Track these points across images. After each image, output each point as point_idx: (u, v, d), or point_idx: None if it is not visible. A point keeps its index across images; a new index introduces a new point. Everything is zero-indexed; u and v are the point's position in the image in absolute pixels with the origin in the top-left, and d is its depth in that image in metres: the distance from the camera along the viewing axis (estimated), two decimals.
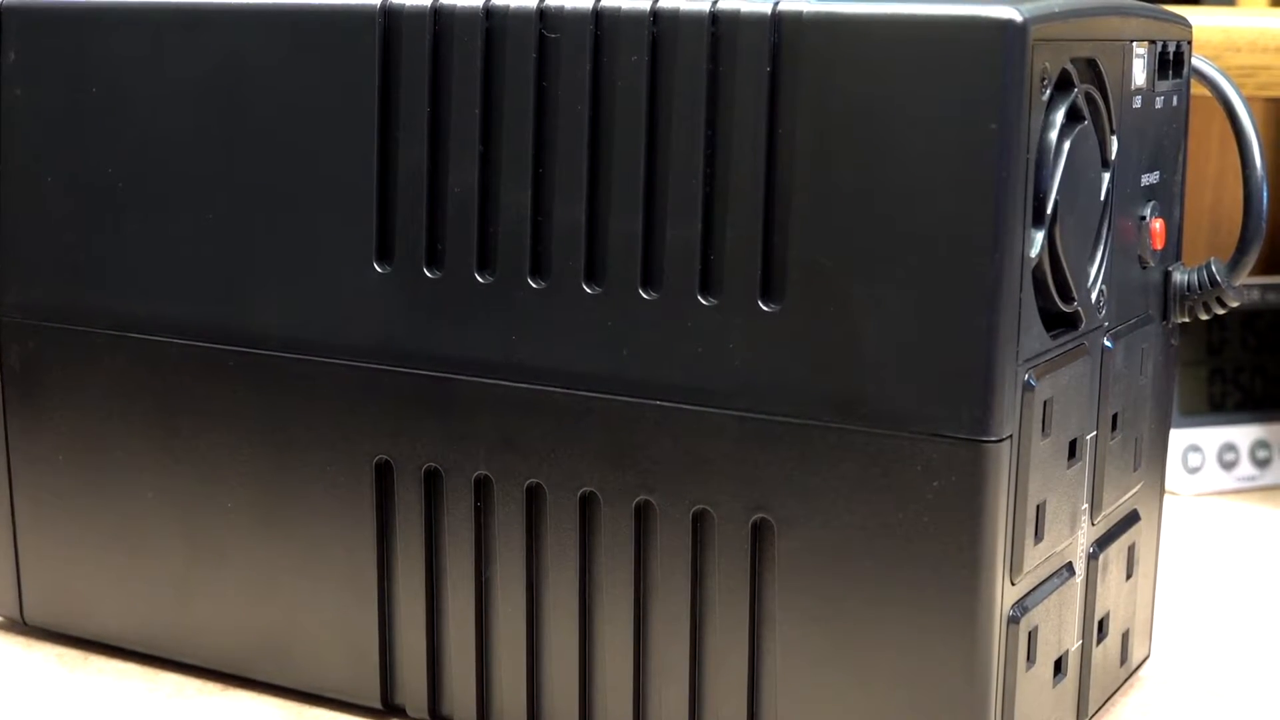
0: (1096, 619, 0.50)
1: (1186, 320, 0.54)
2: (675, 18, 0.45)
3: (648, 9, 0.45)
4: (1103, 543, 0.50)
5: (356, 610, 0.51)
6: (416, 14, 0.48)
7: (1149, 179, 0.51)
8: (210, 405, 0.52)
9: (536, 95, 0.46)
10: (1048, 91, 0.43)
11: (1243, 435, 0.80)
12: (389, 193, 0.49)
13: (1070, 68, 0.45)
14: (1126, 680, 0.55)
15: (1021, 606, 0.45)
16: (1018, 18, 0.41)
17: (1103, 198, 0.48)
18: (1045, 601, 0.46)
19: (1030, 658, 0.46)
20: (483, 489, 0.49)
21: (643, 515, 0.47)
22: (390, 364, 0.49)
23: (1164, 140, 0.52)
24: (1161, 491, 0.56)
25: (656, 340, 0.46)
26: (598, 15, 0.46)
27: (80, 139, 0.53)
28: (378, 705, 0.52)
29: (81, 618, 0.57)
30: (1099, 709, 0.52)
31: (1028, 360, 0.44)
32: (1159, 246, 0.52)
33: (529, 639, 0.49)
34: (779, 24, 0.44)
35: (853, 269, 0.43)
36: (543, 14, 0.46)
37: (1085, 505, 0.49)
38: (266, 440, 0.52)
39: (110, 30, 0.52)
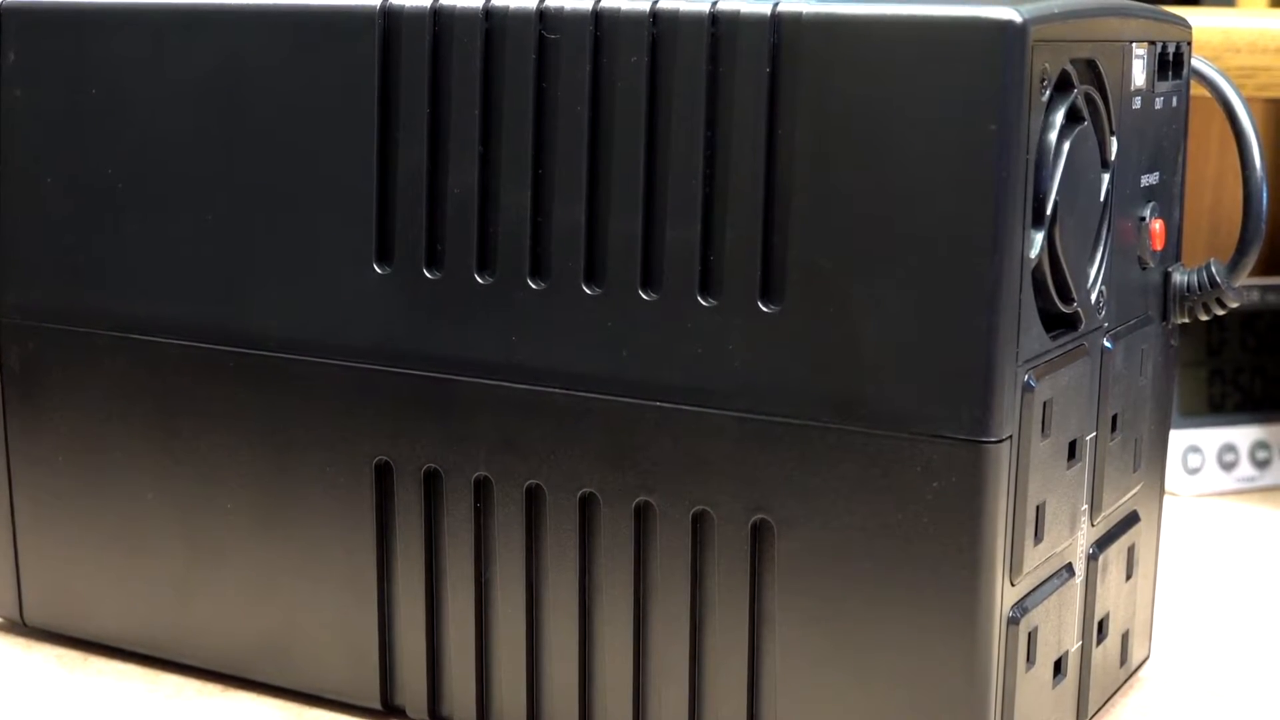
0: (1096, 620, 0.50)
1: (1186, 321, 0.54)
2: (675, 18, 0.45)
3: (647, 10, 0.45)
4: (1102, 543, 0.50)
5: (356, 611, 0.51)
6: (416, 15, 0.48)
7: (1149, 180, 0.51)
8: (210, 406, 0.52)
9: (536, 96, 0.46)
10: (1047, 92, 0.43)
11: (1242, 436, 0.80)
12: (389, 193, 0.49)
13: (1070, 68, 0.45)
14: (1126, 681, 0.55)
15: (1021, 607, 0.45)
16: (1017, 18, 0.41)
17: (1102, 198, 0.48)
18: (1045, 602, 0.46)
19: (1030, 658, 0.46)
20: (482, 490, 0.49)
21: (642, 516, 0.47)
22: (390, 365, 0.49)
23: (1164, 141, 0.52)
24: (1161, 492, 0.56)
25: (656, 341, 0.46)
26: (597, 16, 0.46)
27: (80, 140, 0.53)
28: (377, 706, 0.52)
29: (81, 619, 0.57)
30: (1099, 710, 0.52)
31: (1027, 361, 0.44)
32: (1159, 247, 0.52)
33: (529, 640, 0.49)
34: (778, 25, 0.44)
35: (852, 270, 0.43)
36: (542, 15, 0.46)
37: (1085, 506, 0.49)
38: (266, 441, 0.52)
39: (110, 31, 0.52)
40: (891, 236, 0.43)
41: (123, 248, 0.53)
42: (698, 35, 0.44)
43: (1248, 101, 0.53)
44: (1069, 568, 0.48)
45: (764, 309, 0.45)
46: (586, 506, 0.48)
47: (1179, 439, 0.78)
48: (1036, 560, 0.45)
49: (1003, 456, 0.43)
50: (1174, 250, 0.54)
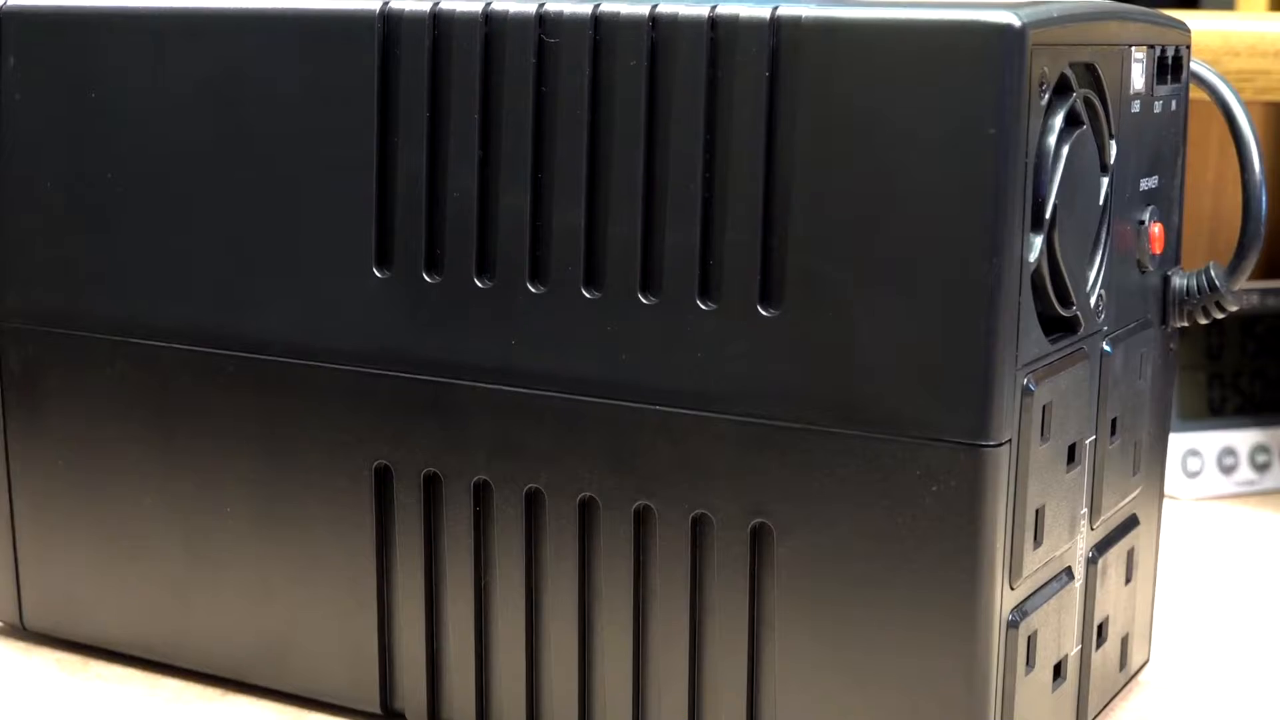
0: (1096, 623, 0.50)
1: (1185, 325, 0.54)
2: (674, 22, 0.45)
3: (646, 14, 0.45)
4: (1102, 547, 0.50)
5: (356, 615, 0.51)
6: (415, 19, 0.48)
7: (1148, 183, 0.51)
8: (209, 410, 0.52)
9: (535, 100, 0.47)
10: (1046, 96, 0.43)
11: (1242, 439, 0.80)
12: (388, 198, 0.49)
13: (1069, 72, 0.45)
14: (1126, 685, 0.55)
15: (1021, 611, 0.45)
16: (1016, 22, 0.41)
17: (1101, 202, 0.48)
18: (1044, 606, 0.46)
19: (1029, 662, 0.46)
20: (482, 494, 0.49)
21: (642, 520, 0.47)
22: (389, 369, 0.49)
23: (1163, 145, 0.52)
24: (1161, 496, 0.56)
25: (655, 345, 0.46)
26: (597, 20, 0.46)
27: (80, 144, 0.53)
28: (377, 710, 0.52)
29: (81, 623, 0.57)
30: (1098, 713, 0.52)
31: (1026, 365, 0.44)
32: (1158, 251, 0.52)
33: (528, 643, 0.49)
34: (778, 28, 0.44)
35: (851, 274, 0.43)
36: (542, 19, 0.46)
37: (1084, 510, 0.49)
38: (265, 445, 0.52)
39: (110, 35, 0.52)
40: (891, 240, 0.43)
41: (122, 252, 0.53)
42: (697, 39, 0.44)
43: (1247, 105, 0.54)
44: (1068, 571, 0.48)
45: (763, 313, 0.45)
46: (586, 510, 0.48)
47: (1178, 442, 0.78)
48: (1036, 564, 0.45)
49: (1002, 460, 0.43)
50: (1173, 254, 0.54)
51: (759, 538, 0.46)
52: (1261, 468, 0.80)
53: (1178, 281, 0.53)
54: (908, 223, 0.43)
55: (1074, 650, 0.49)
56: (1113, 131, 0.48)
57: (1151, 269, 0.52)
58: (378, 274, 0.49)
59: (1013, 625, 0.45)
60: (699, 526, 0.47)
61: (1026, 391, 0.44)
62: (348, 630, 0.52)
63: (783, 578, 0.46)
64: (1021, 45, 0.42)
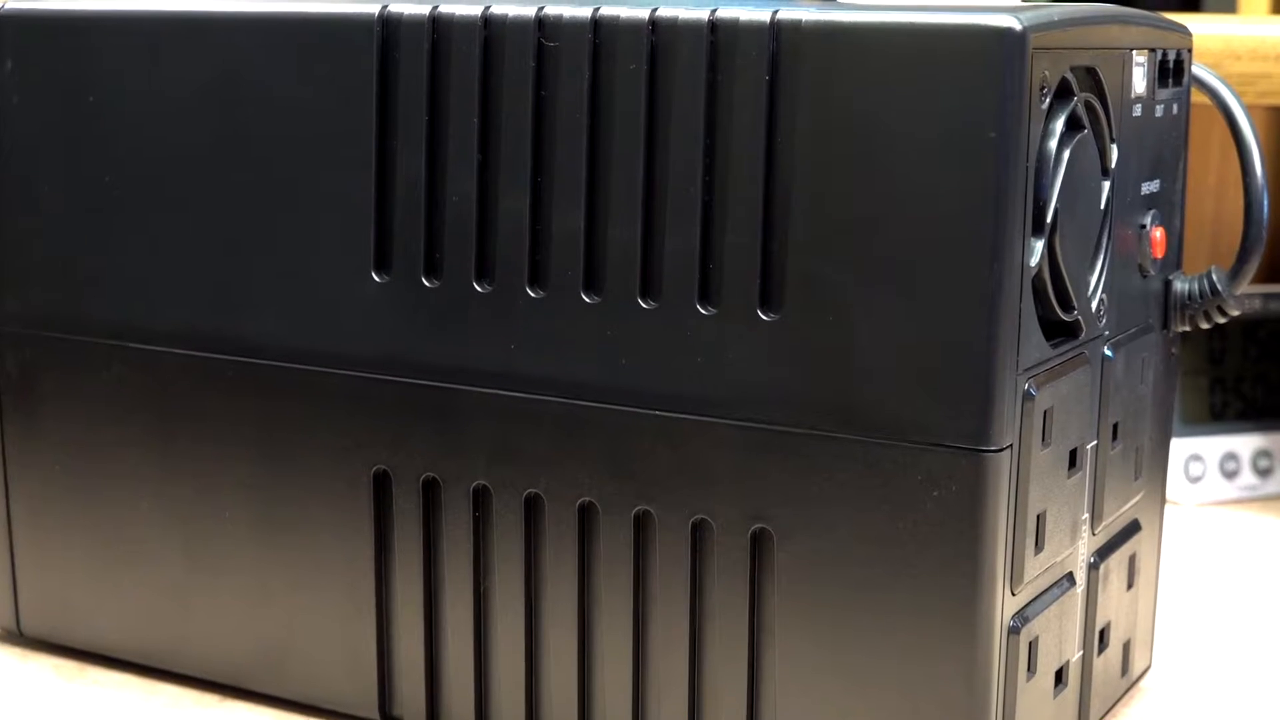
0: (1097, 629, 0.50)
1: (1187, 329, 0.54)
2: (674, 26, 0.45)
3: (646, 18, 0.45)
4: (1103, 553, 0.50)
5: (355, 621, 0.51)
6: (414, 23, 0.48)
7: (1149, 187, 0.51)
8: (208, 415, 0.52)
9: (535, 104, 0.47)
10: (1047, 100, 0.43)
11: (1244, 444, 0.80)
12: (387, 202, 0.49)
13: (1070, 76, 0.45)
14: (1128, 691, 0.55)
15: (1022, 617, 0.45)
16: (1017, 26, 0.42)
17: (1103, 206, 0.48)
18: (1046, 612, 0.46)
19: (1031, 668, 0.46)
20: (481, 499, 0.49)
21: (641, 525, 0.47)
22: (388, 373, 0.50)
23: (1164, 149, 0.52)
24: (1162, 501, 0.56)
25: (655, 349, 0.46)
26: (596, 24, 0.46)
27: (78, 147, 0.53)
28: (376, 717, 0.52)
29: (78, 628, 0.57)
30: None
31: (1027, 369, 0.44)
32: (1159, 255, 0.52)
33: (528, 649, 0.49)
34: (778, 33, 0.44)
35: (852, 278, 0.43)
36: (541, 22, 0.46)
37: (1086, 515, 0.49)
38: (264, 450, 0.52)
39: (108, 39, 0.52)
40: (891, 245, 0.43)
41: (120, 255, 0.53)
42: (697, 43, 0.45)
43: (1249, 109, 0.54)
44: (1070, 577, 0.48)
45: (763, 317, 0.45)
46: (585, 516, 0.48)
47: (1180, 448, 0.78)
48: (1037, 569, 0.46)
49: (1003, 465, 0.43)
50: (1175, 258, 0.54)
51: (759, 543, 0.46)
52: (1264, 473, 0.80)
53: (1179, 286, 0.54)
54: (908, 227, 0.43)
55: (1075, 656, 0.49)
56: (1114, 135, 0.48)
57: (1153, 273, 0.52)
58: (377, 278, 0.49)
59: (1014, 631, 0.45)
60: (699, 532, 0.47)
61: (1027, 396, 0.44)
62: (346, 636, 0.52)
63: (783, 583, 0.46)
64: (1022, 49, 0.42)
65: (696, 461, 0.46)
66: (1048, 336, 0.45)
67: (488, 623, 0.50)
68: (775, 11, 0.44)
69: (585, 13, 0.46)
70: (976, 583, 0.43)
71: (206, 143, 0.51)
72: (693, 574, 0.47)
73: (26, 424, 0.56)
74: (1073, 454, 0.47)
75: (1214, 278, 0.53)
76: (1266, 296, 0.82)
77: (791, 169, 0.44)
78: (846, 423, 0.44)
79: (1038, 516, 0.45)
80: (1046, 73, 0.43)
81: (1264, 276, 0.86)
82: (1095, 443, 0.49)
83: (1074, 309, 0.46)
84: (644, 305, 0.46)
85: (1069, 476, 0.47)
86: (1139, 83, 0.49)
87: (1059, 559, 0.47)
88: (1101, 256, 0.48)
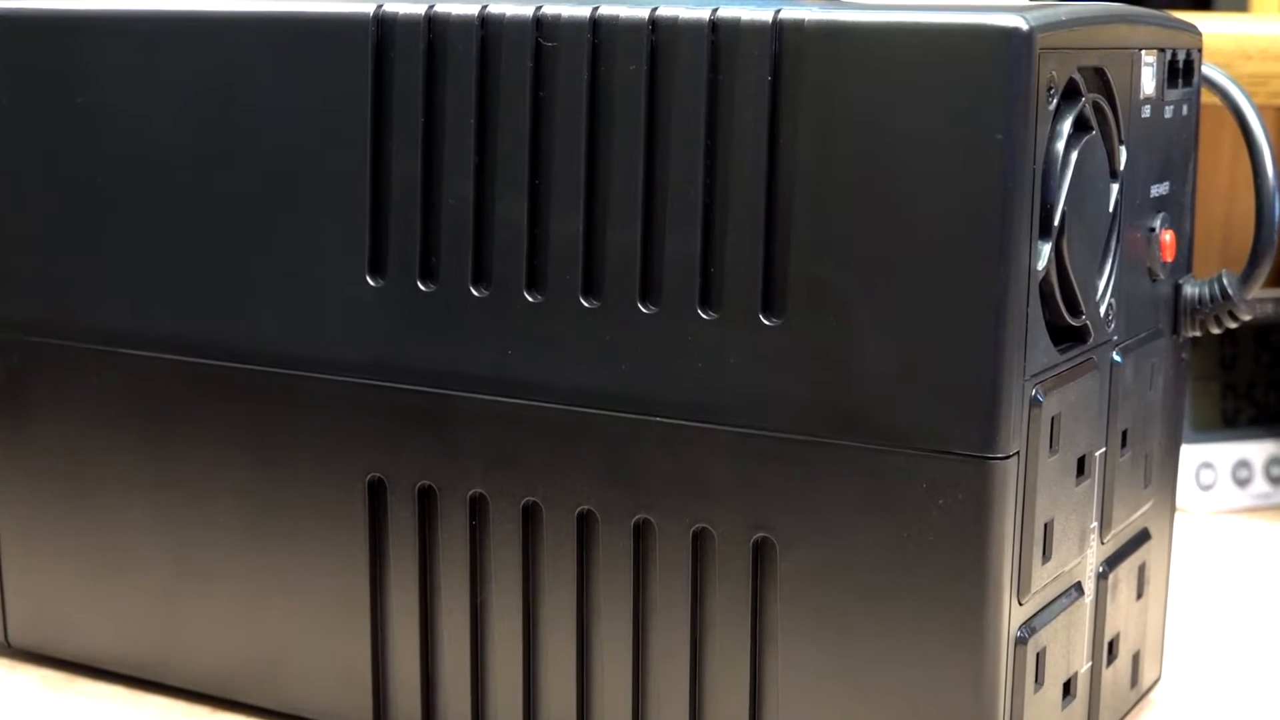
0: (1106, 640, 0.51)
1: (1198, 334, 0.54)
2: (674, 26, 0.45)
3: (646, 17, 0.45)
4: (1112, 562, 0.51)
5: (348, 632, 0.51)
6: (410, 22, 0.48)
7: (1158, 190, 0.51)
8: (199, 422, 0.53)
9: (533, 105, 0.47)
10: (1054, 101, 0.44)
11: (1257, 451, 0.80)
12: (382, 204, 0.49)
13: (1077, 77, 0.45)
14: (1137, 703, 0.55)
15: (1029, 627, 0.45)
16: (1023, 26, 0.42)
17: (1111, 209, 0.48)
18: (1053, 622, 0.46)
19: (1038, 679, 0.46)
20: (478, 507, 0.49)
21: (641, 534, 0.47)
22: (383, 379, 0.50)
23: (1174, 150, 0.52)
24: (1172, 509, 0.56)
25: (655, 355, 0.46)
26: (595, 23, 0.46)
27: (68, 149, 0.53)
28: None
29: (66, 639, 0.57)
30: None
31: (1035, 375, 0.44)
32: (1169, 259, 0.52)
33: (525, 661, 0.49)
34: (780, 32, 0.44)
35: (855, 282, 0.44)
36: (539, 22, 0.46)
37: (1094, 523, 0.49)
38: (257, 457, 0.52)
39: (98, 38, 0.53)
40: (895, 248, 0.43)
41: (110, 259, 0.53)
42: (698, 43, 0.45)
43: (1260, 110, 0.54)
44: (1078, 586, 0.48)
45: (765, 322, 0.45)
46: (584, 524, 0.48)
47: (1192, 454, 0.79)
48: (1045, 579, 0.46)
49: (1010, 473, 0.43)
50: (1185, 262, 0.54)
51: (761, 552, 0.46)
52: (1276, 480, 0.80)
53: (1189, 290, 0.54)
54: (913, 230, 0.43)
55: (1084, 667, 0.49)
56: (1122, 137, 0.48)
57: (1163, 277, 0.52)
58: (371, 282, 0.49)
59: (1021, 642, 0.45)
60: (700, 541, 0.47)
61: (1035, 402, 0.44)
62: (340, 647, 0.52)
63: (785, 593, 0.46)
64: (1029, 49, 0.42)
65: (697, 469, 0.46)
66: (1055, 342, 0.45)
67: (485, 634, 0.50)
68: (777, 11, 0.44)
69: (584, 12, 0.46)
70: (983, 592, 0.44)
71: (198, 144, 0.51)
72: (693, 584, 0.47)
73: (14, 430, 0.56)
74: (1081, 461, 0.47)
75: (1225, 282, 0.53)
76: (1279, 301, 0.82)
77: (794, 171, 0.44)
78: (850, 429, 0.44)
79: (1045, 525, 0.45)
80: (1054, 73, 0.43)
81: (1276, 280, 0.86)
82: (1104, 450, 0.49)
83: (1082, 314, 0.46)
84: (644, 310, 0.46)
85: (1077, 484, 0.47)
86: (1148, 83, 0.50)
87: (1067, 568, 0.47)
88: (1110, 260, 0.48)
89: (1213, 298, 0.53)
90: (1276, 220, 0.52)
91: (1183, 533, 0.74)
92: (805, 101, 0.44)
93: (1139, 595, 0.53)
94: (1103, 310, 0.48)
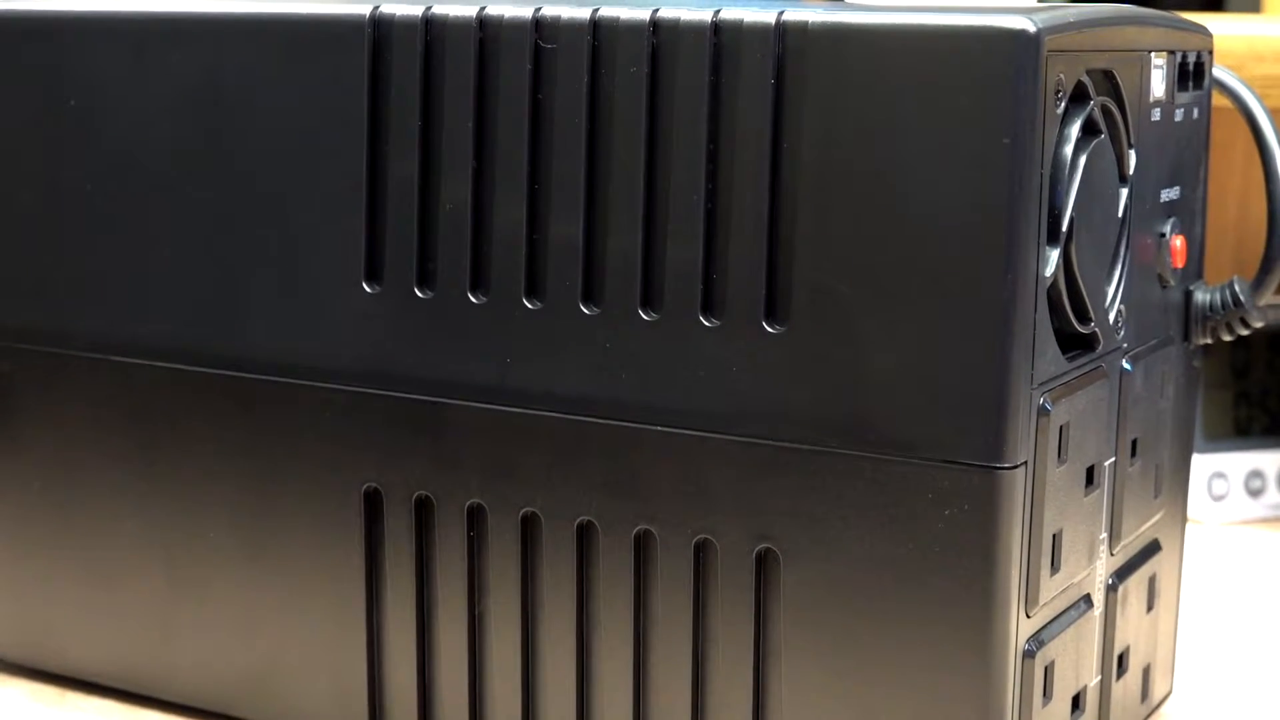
0: (1116, 653, 0.51)
1: (1209, 341, 0.55)
2: (676, 28, 0.45)
3: (647, 19, 0.45)
4: (1122, 573, 0.51)
5: (344, 645, 0.52)
6: (407, 24, 0.48)
7: (1169, 194, 0.51)
8: (192, 431, 0.53)
9: (532, 108, 0.47)
10: (1062, 104, 0.44)
11: (1270, 461, 0.80)
12: (378, 209, 0.49)
13: (1086, 79, 0.45)
14: (1148, 718, 0.55)
15: (1037, 640, 0.45)
16: (1031, 28, 0.42)
17: (1120, 214, 0.48)
18: (1062, 635, 0.47)
19: (1047, 693, 0.46)
20: (476, 518, 0.49)
21: (642, 545, 0.48)
22: (380, 388, 0.50)
23: (1184, 154, 0.52)
24: (1183, 520, 0.56)
25: (657, 363, 0.46)
26: (595, 25, 0.46)
27: (58, 153, 0.54)
28: None
29: (57, 653, 0.57)
30: None
31: (1043, 384, 0.44)
32: (1180, 265, 0.52)
33: (524, 675, 0.50)
34: (783, 35, 0.44)
35: (860, 289, 0.44)
36: (538, 24, 0.47)
37: (1104, 534, 0.49)
38: (251, 467, 0.52)
39: (89, 41, 0.53)
40: (901, 254, 0.43)
41: (101, 265, 0.53)
42: (699, 45, 0.45)
43: (1272, 112, 0.54)
44: (1087, 599, 0.49)
45: (769, 329, 0.45)
46: (584, 535, 0.48)
47: (1204, 464, 0.79)
48: (1053, 591, 0.46)
49: (1017, 483, 0.43)
50: (1196, 268, 0.54)
51: (765, 564, 0.46)
52: None
53: (1201, 296, 0.54)
54: (919, 236, 0.43)
55: (1093, 681, 0.49)
56: (1132, 141, 0.48)
57: (1173, 283, 0.52)
58: (367, 289, 0.50)
59: (1029, 655, 0.45)
60: (702, 552, 0.47)
61: (1043, 411, 0.44)
62: (336, 660, 0.52)
63: (789, 605, 0.46)
64: (1036, 51, 0.42)
65: (699, 479, 0.46)
66: (1063, 349, 0.45)
67: (483, 647, 0.50)
68: (781, 13, 0.44)
69: (584, 14, 0.46)
70: (990, 605, 0.44)
71: (191, 148, 0.51)
72: (696, 596, 0.47)
73: (3, 439, 0.56)
74: (1090, 471, 0.47)
75: (1237, 288, 0.53)
76: None
77: (797, 176, 0.44)
78: (855, 439, 0.44)
79: (1053, 536, 0.45)
80: (1062, 76, 0.43)
81: None
82: (1113, 459, 0.49)
83: (1091, 321, 0.46)
84: (645, 317, 0.46)
85: (1086, 495, 0.47)
86: (1158, 86, 0.50)
87: (1076, 580, 0.47)
88: (1119, 266, 0.49)
89: (1224, 304, 0.54)
90: None
91: (1194, 544, 0.74)
92: (809, 105, 0.44)
93: (1149, 608, 0.53)
94: (1112, 317, 0.48)
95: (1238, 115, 0.54)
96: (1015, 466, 0.43)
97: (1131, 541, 0.51)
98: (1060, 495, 0.45)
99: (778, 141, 0.44)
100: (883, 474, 0.44)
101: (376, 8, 0.48)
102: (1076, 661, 0.48)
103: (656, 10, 0.45)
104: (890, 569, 0.44)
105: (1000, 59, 0.42)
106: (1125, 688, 0.52)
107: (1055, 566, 0.46)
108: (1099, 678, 0.50)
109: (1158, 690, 0.55)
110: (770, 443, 0.45)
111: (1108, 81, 0.47)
